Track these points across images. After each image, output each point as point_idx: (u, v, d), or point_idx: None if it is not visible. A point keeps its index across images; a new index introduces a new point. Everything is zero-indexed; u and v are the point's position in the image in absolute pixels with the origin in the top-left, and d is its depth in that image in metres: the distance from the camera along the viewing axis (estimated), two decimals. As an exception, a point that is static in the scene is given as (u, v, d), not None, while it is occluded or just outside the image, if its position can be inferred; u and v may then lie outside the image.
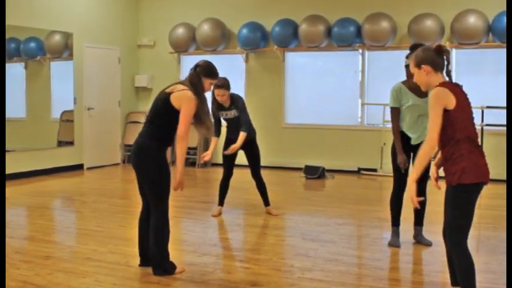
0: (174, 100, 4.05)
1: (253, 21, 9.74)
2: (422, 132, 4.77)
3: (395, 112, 4.81)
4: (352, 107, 9.62)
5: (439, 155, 3.42)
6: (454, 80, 3.44)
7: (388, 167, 8.48)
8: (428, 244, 4.94)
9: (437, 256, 4.60)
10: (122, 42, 10.69)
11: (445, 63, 3.34)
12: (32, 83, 9.51)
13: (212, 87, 4.69)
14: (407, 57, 4.65)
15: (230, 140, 6.10)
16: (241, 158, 6.20)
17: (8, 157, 8.05)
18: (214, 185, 6.65)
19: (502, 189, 7.10)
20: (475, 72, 8.83)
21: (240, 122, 5.93)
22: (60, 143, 9.78)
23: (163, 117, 4.10)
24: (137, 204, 4.63)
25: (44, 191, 7.86)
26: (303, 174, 9.04)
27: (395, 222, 4.99)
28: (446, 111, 3.17)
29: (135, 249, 4.38)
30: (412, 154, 4.85)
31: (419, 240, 5.00)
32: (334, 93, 9.77)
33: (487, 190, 3.60)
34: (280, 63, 9.93)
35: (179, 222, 5.90)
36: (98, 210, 6.57)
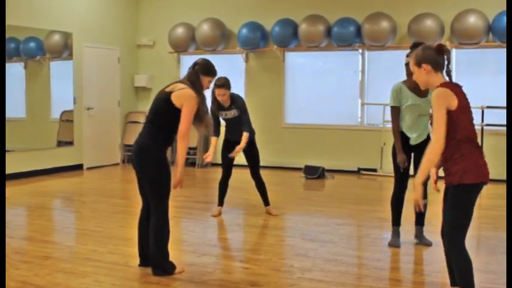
0: (175, 99, 4.04)
1: (253, 21, 9.74)
2: (422, 132, 4.78)
3: (396, 111, 4.81)
4: (352, 107, 9.61)
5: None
6: (454, 80, 3.43)
7: (388, 167, 8.50)
8: (429, 244, 4.94)
9: (437, 256, 4.58)
10: (122, 42, 10.68)
11: (446, 62, 3.33)
12: (31, 83, 9.51)
13: (212, 86, 4.69)
14: (407, 55, 4.64)
15: (228, 140, 6.09)
16: (241, 158, 6.20)
17: (8, 157, 8.04)
18: (214, 185, 6.64)
19: (502, 189, 7.10)
20: (475, 72, 8.82)
21: (239, 122, 5.93)
22: (60, 143, 9.77)
23: (163, 117, 4.10)
24: (137, 204, 4.63)
25: (43, 191, 7.86)
26: (303, 174, 9.03)
27: (396, 222, 4.99)
28: (448, 112, 3.17)
29: (135, 250, 4.38)
30: (412, 154, 4.85)
31: (420, 239, 5.00)
32: (334, 93, 9.76)
33: (487, 190, 3.60)
34: (280, 63, 9.92)
35: (179, 222, 5.89)
36: (98, 211, 6.56)
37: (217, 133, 6.02)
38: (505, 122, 8.07)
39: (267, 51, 9.90)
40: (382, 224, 5.72)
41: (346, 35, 9.06)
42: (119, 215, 6.31)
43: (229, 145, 6.06)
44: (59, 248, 4.99)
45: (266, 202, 6.26)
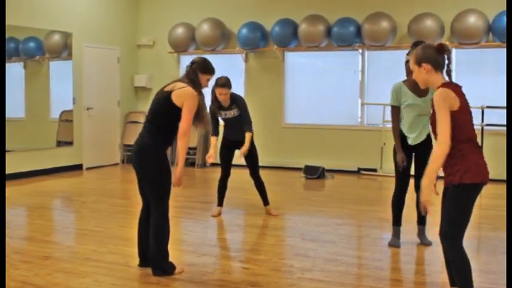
0: (176, 98, 4.03)
1: (253, 21, 9.73)
2: (421, 132, 4.77)
3: (395, 111, 4.81)
4: (352, 107, 9.61)
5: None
6: (454, 80, 3.43)
7: (387, 167, 8.51)
8: (428, 244, 4.94)
9: (437, 256, 4.57)
10: (122, 42, 10.68)
11: (446, 62, 3.33)
12: (31, 82, 9.50)
13: (211, 85, 4.67)
14: (408, 53, 4.64)
15: (227, 140, 6.09)
16: (240, 158, 6.19)
17: (8, 157, 8.04)
18: (214, 185, 6.64)
19: (502, 189, 7.10)
20: (475, 72, 8.82)
21: (239, 122, 5.92)
22: (60, 143, 9.77)
23: (163, 116, 4.09)
24: (137, 204, 4.63)
25: (43, 191, 7.85)
26: (303, 174, 9.03)
27: (396, 222, 4.98)
28: (450, 112, 3.16)
29: (135, 250, 4.37)
30: (413, 154, 4.84)
31: (421, 239, 5.00)
32: (334, 93, 9.76)
33: (487, 190, 3.60)
34: (280, 63, 9.92)
35: (179, 223, 5.89)
36: (97, 211, 6.56)
37: (216, 132, 6.02)
38: (505, 122, 8.07)
39: (267, 51, 9.89)
40: (382, 224, 5.72)
41: (346, 35, 9.05)
42: (118, 215, 6.30)
43: (229, 144, 6.05)
44: (59, 248, 4.99)
45: (265, 202, 6.25)
